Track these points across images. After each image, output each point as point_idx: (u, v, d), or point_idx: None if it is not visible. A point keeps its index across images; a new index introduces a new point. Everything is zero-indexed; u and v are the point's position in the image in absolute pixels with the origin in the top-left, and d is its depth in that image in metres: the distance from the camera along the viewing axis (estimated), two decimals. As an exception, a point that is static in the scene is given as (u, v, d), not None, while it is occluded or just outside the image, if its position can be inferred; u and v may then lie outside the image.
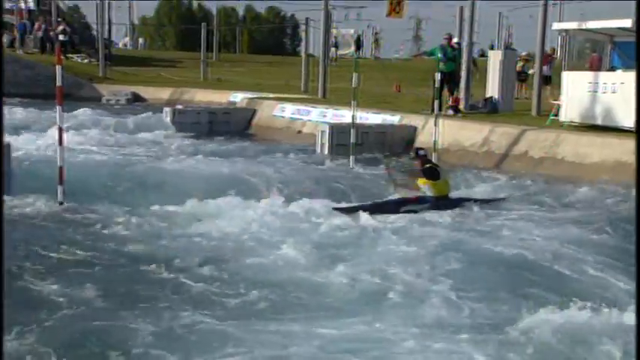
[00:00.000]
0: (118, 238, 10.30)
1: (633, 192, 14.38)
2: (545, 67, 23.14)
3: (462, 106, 21.88)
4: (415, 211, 12.20)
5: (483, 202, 12.93)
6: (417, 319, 7.53)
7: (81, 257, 9.29)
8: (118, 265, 9.08)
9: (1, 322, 3.32)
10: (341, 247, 10.04)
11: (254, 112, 26.36)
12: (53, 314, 7.39)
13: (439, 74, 20.68)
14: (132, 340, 6.81)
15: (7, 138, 16.50)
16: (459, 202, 12.70)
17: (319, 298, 8.21)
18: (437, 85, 18.95)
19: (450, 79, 21.74)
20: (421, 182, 12.61)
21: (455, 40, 22.56)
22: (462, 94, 22.18)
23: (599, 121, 17.96)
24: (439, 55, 21.82)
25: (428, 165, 12.92)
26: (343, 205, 12.45)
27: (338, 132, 19.00)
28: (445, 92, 21.58)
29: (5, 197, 12.31)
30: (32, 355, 6.48)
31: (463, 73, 22.09)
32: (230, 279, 8.61)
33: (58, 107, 12.44)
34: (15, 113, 25.50)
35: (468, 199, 12.95)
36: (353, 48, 52.81)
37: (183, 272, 8.77)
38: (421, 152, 13.39)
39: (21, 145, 15.95)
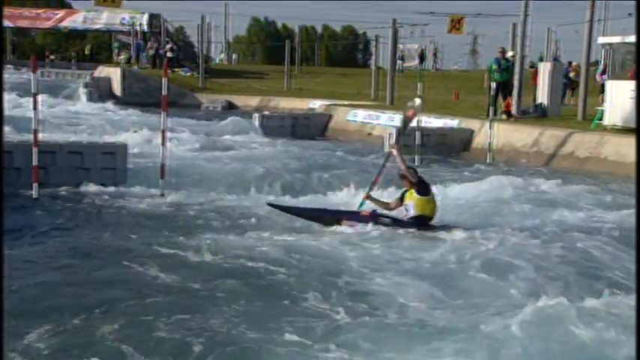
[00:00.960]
0: (211, 227, 10.24)
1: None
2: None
3: (513, 111, 21.58)
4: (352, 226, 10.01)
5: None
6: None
7: (174, 241, 9.33)
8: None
9: (1, 322, 3.16)
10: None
11: (330, 116, 26.40)
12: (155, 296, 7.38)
13: (494, 83, 20.55)
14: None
15: (124, 138, 16.82)
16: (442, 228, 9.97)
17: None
18: (492, 92, 18.75)
19: (504, 88, 21.45)
20: (408, 196, 10.03)
21: (510, 53, 22.22)
22: (513, 101, 21.82)
23: (639, 124, 17.53)
24: (494, 66, 21.54)
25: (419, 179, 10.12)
26: (279, 203, 11.26)
27: (404, 134, 18.93)
28: (499, 99, 21.34)
29: (120, 187, 12.57)
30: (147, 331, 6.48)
31: (515, 82, 21.71)
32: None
33: (163, 113, 12.59)
34: (131, 115, 25.97)
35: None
36: (417, 61, 52.48)
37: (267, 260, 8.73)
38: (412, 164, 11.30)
39: (134, 144, 16.18)
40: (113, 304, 6.88)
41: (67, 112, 27.21)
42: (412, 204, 9.94)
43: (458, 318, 6.77)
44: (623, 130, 17.71)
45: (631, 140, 16.53)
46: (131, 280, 7.70)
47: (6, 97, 28.55)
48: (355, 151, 19.48)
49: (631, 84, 18.05)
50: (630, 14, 30.43)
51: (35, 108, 12.18)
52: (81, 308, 6.78)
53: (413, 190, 9.97)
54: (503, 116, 20.91)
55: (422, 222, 9.90)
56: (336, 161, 16.96)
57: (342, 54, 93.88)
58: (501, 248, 8.92)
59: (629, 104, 17.85)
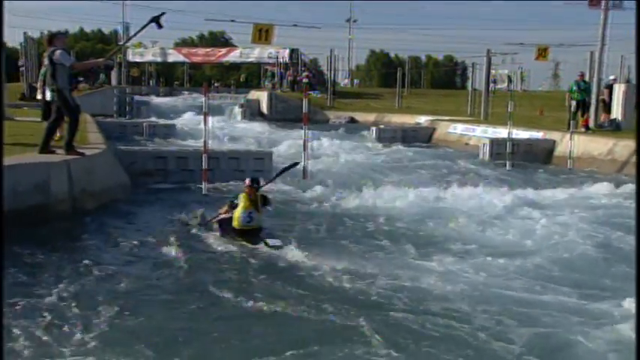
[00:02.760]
0: (351, 214, 10.32)
1: None
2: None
3: (591, 125, 20.72)
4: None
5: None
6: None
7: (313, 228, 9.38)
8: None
9: (1, 322, 2.91)
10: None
11: (434, 129, 26.01)
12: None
13: (574, 102, 20.02)
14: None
15: (273, 149, 17.02)
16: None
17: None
18: (573, 109, 18.09)
19: (583, 105, 20.69)
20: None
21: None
22: (591, 116, 21.03)
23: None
24: (574, 87, 20.82)
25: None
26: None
27: (496, 144, 18.63)
28: (579, 115, 20.56)
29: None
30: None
31: (593, 101, 20.89)
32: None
33: (304, 126, 12.71)
34: (276, 132, 26.40)
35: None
36: (506, 83, 51.04)
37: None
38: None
39: (279, 152, 16.47)
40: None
41: (228, 127, 27.96)
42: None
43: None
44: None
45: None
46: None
47: (185, 115, 29.71)
48: (457, 156, 19.25)
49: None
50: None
51: (205, 123, 12.57)
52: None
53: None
54: (582, 129, 20.05)
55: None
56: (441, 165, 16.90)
57: (443, 78, 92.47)
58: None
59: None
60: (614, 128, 20.49)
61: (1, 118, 6.72)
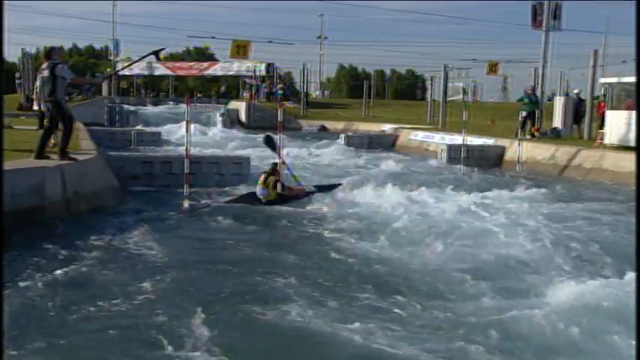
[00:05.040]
0: (315, 215, 10.20)
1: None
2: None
3: (536, 133, 21.11)
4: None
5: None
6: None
7: (285, 227, 9.41)
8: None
9: (1, 321, 2.84)
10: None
11: (397, 136, 26.22)
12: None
13: (524, 112, 20.37)
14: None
15: (250, 153, 17.04)
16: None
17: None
18: (520, 119, 18.43)
19: (533, 116, 21.13)
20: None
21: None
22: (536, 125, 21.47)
23: (631, 144, 16.88)
24: (525, 99, 21.16)
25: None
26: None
27: (453, 149, 18.87)
28: (528, 124, 21.01)
29: (244, 187, 12.72)
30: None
31: (537, 112, 21.36)
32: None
33: (279, 134, 12.69)
34: (254, 139, 26.31)
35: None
36: (461, 95, 51.53)
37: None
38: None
39: (255, 157, 16.41)
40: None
41: (209, 134, 27.86)
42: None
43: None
44: (620, 148, 17.07)
45: (626, 155, 15.93)
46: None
47: (170, 125, 29.48)
48: (417, 161, 19.36)
49: (625, 113, 17.50)
50: (624, 61, 29.22)
51: (187, 131, 12.52)
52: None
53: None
54: (528, 136, 20.38)
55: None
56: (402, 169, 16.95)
57: (406, 90, 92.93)
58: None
59: (623, 128, 17.24)
60: (555, 136, 20.90)
61: (0, 125, 6.65)
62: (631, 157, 15.74)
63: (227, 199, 11.43)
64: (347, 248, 8.11)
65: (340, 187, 11.83)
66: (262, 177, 10.77)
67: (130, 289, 6.27)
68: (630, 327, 5.05)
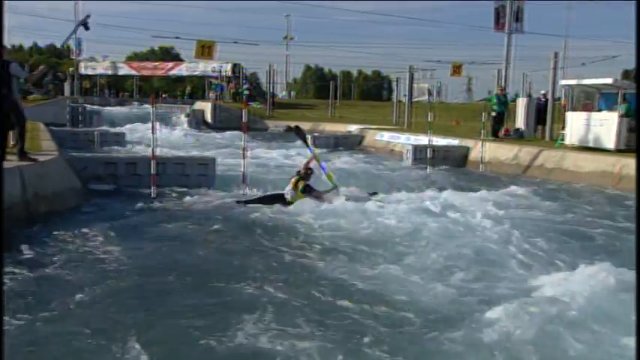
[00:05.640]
0: (277, 217, 10.15)
1: (613, 190, 13.77)
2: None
3: (502, 135, 21.44)
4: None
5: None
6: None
7: (250, 228, 9.34)
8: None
9: (1, 321, 2.83)
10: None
11: (363, 137, 26.31)
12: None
13: (494, 113, 20.61)
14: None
15: (214, 154, 16.92)
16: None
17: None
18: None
19: (502, 116, 21.38)
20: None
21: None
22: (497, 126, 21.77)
23: (591, 144, 17.29)
24: (495, 100, 21.36)
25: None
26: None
27: (418, 150, 18.99)
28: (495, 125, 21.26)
29: (210, 188, 12.61)
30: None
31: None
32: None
33: (243, 135, 12.62)
34: (216, 138, 26.18)
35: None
36: (426, 96, 51.99)
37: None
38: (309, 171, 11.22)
39: (221, 158, 16.28)
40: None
41: (174, 135, 27.53)
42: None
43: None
44: (579, 148, 17.43)
45: (585, 155, 16.31)
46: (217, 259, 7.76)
47: (134, 124, 29.05)
48: (383, 161, 19.42)
49: (584, 114, 17.90)
50: (583, 64, 29.90)
51: (153, 132, 12.38)
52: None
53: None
54: (490, 137, 20.66)
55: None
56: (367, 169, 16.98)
57: (372, 91, 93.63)
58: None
59: (583, 128, 17.59)
60: (518, 137, 21.22)
61: (1, 126, 6.45)
62: (590, 157, 16.11)
63: (249, 198, 11.30)
64: (306, 257, 8.02)
65: (375, 196, 11.55)
66: (294, 179, 10.90)
67: (84, 292, 6.14)
68: (606, 318, 5.26)
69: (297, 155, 19.78)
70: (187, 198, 11.72)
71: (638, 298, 4.20)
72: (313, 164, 11.44)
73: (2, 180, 6.75)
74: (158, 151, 12.86)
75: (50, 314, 5.54)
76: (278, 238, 8.63)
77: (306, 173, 11.00)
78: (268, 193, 11.51)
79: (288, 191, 10.86)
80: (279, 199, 10.86)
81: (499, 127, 21.07)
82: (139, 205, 10.77)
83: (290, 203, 10.67)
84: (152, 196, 11.74)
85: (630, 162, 14.76)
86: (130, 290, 6.33)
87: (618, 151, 16.36)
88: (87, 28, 11.25)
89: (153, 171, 12.01)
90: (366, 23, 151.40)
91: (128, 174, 13.07)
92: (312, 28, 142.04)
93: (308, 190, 10.77)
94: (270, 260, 7.51)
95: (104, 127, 27.47)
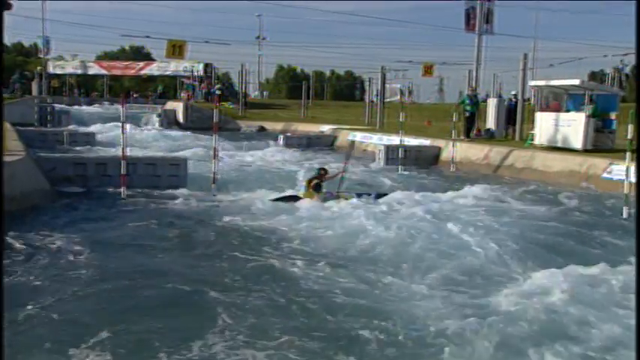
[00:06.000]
0: (247, 217, 10.11)
1: (580, 188, 14.01)
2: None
3: (473, 134, 21.64)
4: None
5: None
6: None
7: (221, 229, 9.28)
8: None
9: (1, 321, 2.86)
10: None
11: (336, 137, 26.34)
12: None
13: (467, 113, 20.73)
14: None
15: (186, 154, 16.78)
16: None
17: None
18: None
19: (474, 116, 21.48)
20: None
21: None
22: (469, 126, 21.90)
23: (559, 144, 17.56)
24: (467, 101, 21.51)
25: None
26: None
27: (390, 150, 19.06)
28: (468, 124, 21.39)
29: (181, 188, 12.50)
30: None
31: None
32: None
33: (214, 135, 12.54)
34: (188, 138, 25.97)
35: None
36: (398, 96, 52.25)
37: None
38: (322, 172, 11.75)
39: (192, 157, 16.17)
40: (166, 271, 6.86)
41: (145, 135, 27.23)
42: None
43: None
44: (548, 148, 17.68)
45: (554, 155, 16.57)
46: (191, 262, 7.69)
47: (105, 124, 28.62)
48: (356, 161, 19.31)
49: (553, 115, 18.17)
50: (552, 65, 30.38)
51: (123, 132, 12.24)
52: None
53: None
54: (461, 137, 20.81)
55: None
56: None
57: (344, 91, 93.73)
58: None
59: (552, 129, 17.86)
60: (489, 137, 21.45)
61: (0, 122, 6.29)
62: (559, 157, 16.38)
63: (270, 197, 11.39)
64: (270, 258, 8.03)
65: (387, 196, 11.77)
66: (308, 179, 11.49)
67: (48, 296, 6.05)
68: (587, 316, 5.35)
69: (271, 157, 19.79)
70: (158, 199, 11.60)
71: (638, 298, 4.22)
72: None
73: (2, 179, 6.60)
74: (129, 152, 12.70)
75: (10, 317, 5.38)
76: (250, 241, 8.58)
77: (320, 174, 11.53)
78: (289, 194, 11.79)
79: (302, 188, 11.51)
80: (297, 199, 11.26)
81: (471, 127, 21.23)
82: (109, 206, 10.65)
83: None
84: (122, 196, 11.59)
85: (597, 162, 15.04)
86: (95, 295, 6.22)
87: (586, 151, 16.65)
88: (8, 7, 10.50)
89: (123, 171, 11.86)
90: (338, 23, 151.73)
91: (98, 174, 12.88)
92: (285, 28, 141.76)
93: (318, 189, 11.24)
94: (240, 264, 7.43)
95: (73, 127, 27.05)
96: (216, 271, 7.11)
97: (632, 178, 11.22)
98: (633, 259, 7.32)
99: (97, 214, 10.00)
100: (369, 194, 11.73)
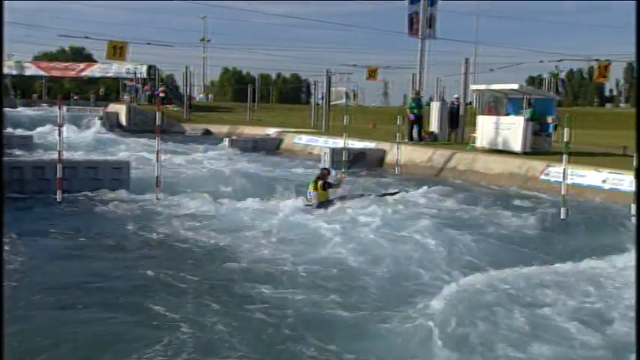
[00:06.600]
0: (193, 220, 9.99)
1: (520, 190, 14.38)
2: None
3: (415, 137, 21.85)
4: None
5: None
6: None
7: (165, 233, 9.10)
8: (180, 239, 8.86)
9: (1, 321, 2.76)
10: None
11: (281, 140, 26.28)
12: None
13: (412, 116, 20.90)
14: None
15: (128, 157, 16.38)
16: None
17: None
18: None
19: (421, 119, 21.60)
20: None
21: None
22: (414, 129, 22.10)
23: (500, 147, 18.00)
24: (413, 104, 21.68)
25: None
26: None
27: (335, 153, 19.13)
28: (415, 127, 21.51)
29: (124, 192, 12.22)
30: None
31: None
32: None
33: (157, 138, 12.31)
34: (131, 140, 25.40)
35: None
36: (344, 100, 52.61)
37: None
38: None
39: (135, 161, 15.82)
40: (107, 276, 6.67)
41: (88, 137, 26.48)
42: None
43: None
44: (489, 151, 18.10)
45: (495, 157, 16.96)
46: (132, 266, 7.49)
47: (44, 127, 27.67)
48: (301, 164, 19.33)
49: (494, 118, 18.63)
50: (492, 70, 31.13)
51: (60, 134, 11.88)
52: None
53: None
54: (406, 140, 21.04)
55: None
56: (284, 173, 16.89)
57: (290, 94, 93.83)
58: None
59: (493, 132, 18.29)
60: (432, 140, 21.78)
61: (0, 123, 5.97)
62: (499, 159, 16.77)
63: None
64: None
65: (397, 194, 12.23)
66: (313, 182, 11.40)
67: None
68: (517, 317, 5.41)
69: (216, 160, 19.54)
70: (98, 203, 11.31)
71: (638, 298, 4.24)
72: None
73: (2, 179, 6.27)
74: (70, 155, 12.34)
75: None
76: (193, 246, 8.43)
77: (322, 173, 11.65)
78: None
79: (311, 193, 11.34)
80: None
81: (419, 129, 21.41)
82: (43, 211, 10.33)
83: (320, 205, 11.00)
84: (58, 200, 11.24)
85: (535, 164, 15.48)
86: (26, 306, 5.94)
87: (525, 154, 17.12)
88: None
89: (59, 175, 11.52)
90: (283, 27, 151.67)
91: (35, 179, 12.44)
92: (230, 30, 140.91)
93: (327, 186, 11.41)
94: (182, 269, 7.23)
95: (9, 130, 26.07)
96: (156, 276, 6.91)
97: (569, 180, 11.59)
98: (569, 258, 7.54)
99: (29, 220, 9.64)
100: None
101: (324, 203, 11.15)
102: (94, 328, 5.43)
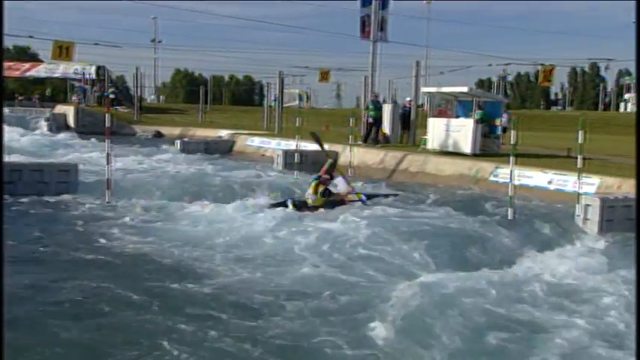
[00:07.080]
0: (145, 224, 9.79)
1: (470, 191, 14.64)
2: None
3: (367, 140, 21.98)
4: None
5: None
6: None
7: (115, 237, 8.90)
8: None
9: (1, 321, 2.70)
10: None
11: (234, 142, 26.09)
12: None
13: (370, 119, 20.97)
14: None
15: (76, 160, 15.98)
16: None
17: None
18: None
19: (378, 121, 21.70)
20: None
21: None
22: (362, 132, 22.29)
23: (450, 149, 18.25)
24: (370, 106, 21.80)
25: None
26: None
27: (288, 155, 19.05)
28: (373, 129, 21.64)
29: (70, 195, 11.90)
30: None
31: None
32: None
33: (107, 140, 12.05)
34: (78, 143, 24.84)
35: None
36: (297, 102, 52.64)
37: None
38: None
39: (84, 163, 15.43)
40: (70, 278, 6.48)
41: (34, 139, 25.70)
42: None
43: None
44: (440, 153, 18.34)
45: (445, 159, 17.21)
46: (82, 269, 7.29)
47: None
48: (254, 166, 19.16)
49: (444, 120, 18.87)
50: (442, 72, 31.71)
51: (1, 136, 11.46)
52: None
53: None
54: (359, 142, 21.17)
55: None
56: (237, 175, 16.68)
57: (243, 96, 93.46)
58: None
59: (443, 134, 18.55)
60: (384, 141, 21.97)
61: (0, 124, 5.63)
62: (450, 161, 17.02)
63: (277, 201, 11.33)
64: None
65: (397, 196, 12.27)
66: (313, 184, 11.32)
67: None
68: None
69: (166, 162, 19.25)
70: (44, 207, 10.99)
71: (638, 298, 4.25)
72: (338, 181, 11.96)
73: (2, 178, 5.97)
74: (15, 158, 11.94)
75: None
76: (144, 251, 8.25)
77: (325, 178, 11.50)
78: (295, 198, 11.59)
79: (309, 196, 11.25)
80: (304, 204, 11.11)
81: (377, 131, 21.58)
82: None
83: (315, 207, 10.97)
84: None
85: (485, 165, 15.79)
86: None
87: (475, 156, 17.43)
88: None
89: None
90: (233, 28, 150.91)
91: (-24, 183, 11.99)
92: (181, 31, 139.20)
93: (327, 194, 11.26)
94: (132, 276, 7.04)
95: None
96: (105, 284, 6.70)
97: (516, 181, 11.85)
98: (517, 260, 7.71)
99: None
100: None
101: (316, 208, 10.98)
102: (23, 333, 5.27)
